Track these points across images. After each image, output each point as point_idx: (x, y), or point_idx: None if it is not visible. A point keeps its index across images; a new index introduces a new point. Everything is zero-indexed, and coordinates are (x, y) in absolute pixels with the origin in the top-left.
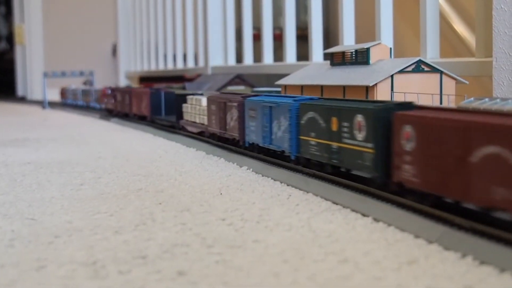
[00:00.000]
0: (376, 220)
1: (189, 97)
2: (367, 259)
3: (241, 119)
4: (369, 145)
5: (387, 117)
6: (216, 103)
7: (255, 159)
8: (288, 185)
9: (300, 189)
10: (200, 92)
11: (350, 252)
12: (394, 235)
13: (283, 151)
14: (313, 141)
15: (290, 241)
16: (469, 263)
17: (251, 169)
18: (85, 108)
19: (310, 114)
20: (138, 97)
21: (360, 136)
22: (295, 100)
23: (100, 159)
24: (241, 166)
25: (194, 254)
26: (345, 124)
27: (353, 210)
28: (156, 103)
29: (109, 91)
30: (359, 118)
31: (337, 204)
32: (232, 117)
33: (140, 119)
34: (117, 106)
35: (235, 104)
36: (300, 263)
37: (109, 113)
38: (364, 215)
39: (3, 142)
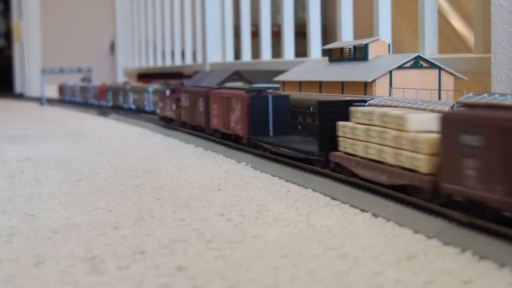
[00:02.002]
0: (375, 215)
1: (357, 110)
2: (366, 254)
3: None
4: None
5: None
6: (490, 130)
7: (253, 154)
8: (286, 181)
9: (299, 185)
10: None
11: (349, 247)
12: (393, 230)
13: None
14: None
15: (289, 237)
16: (469, 258)
17: (249, 165)
18: (83, 105)
19: None
20: (224, 104)
21: None
22: None
23: (98, 155)
24: (239, 162)
25: (193, 250)
26: None
27: (352, 206)
28: (259, 115)
29: (168, 92)
30: None
31: (336, 199)
32: None
33: (224, 138)
34: (181, 114)
35: None
36: (299, 258)
37: (166, 124)
38: (363, 210)
39: (1, 138)
